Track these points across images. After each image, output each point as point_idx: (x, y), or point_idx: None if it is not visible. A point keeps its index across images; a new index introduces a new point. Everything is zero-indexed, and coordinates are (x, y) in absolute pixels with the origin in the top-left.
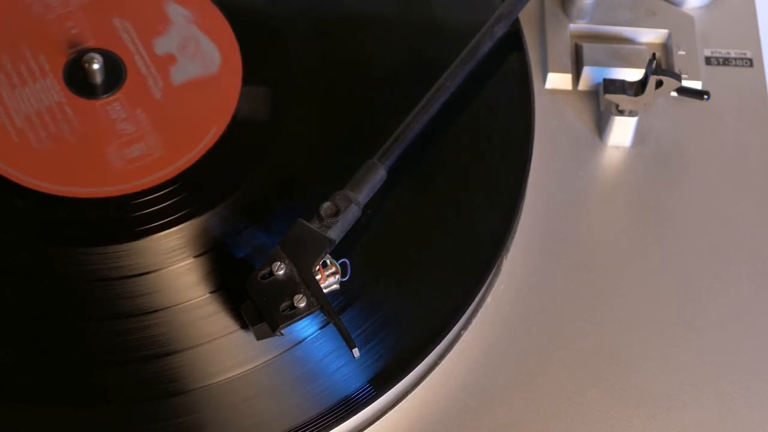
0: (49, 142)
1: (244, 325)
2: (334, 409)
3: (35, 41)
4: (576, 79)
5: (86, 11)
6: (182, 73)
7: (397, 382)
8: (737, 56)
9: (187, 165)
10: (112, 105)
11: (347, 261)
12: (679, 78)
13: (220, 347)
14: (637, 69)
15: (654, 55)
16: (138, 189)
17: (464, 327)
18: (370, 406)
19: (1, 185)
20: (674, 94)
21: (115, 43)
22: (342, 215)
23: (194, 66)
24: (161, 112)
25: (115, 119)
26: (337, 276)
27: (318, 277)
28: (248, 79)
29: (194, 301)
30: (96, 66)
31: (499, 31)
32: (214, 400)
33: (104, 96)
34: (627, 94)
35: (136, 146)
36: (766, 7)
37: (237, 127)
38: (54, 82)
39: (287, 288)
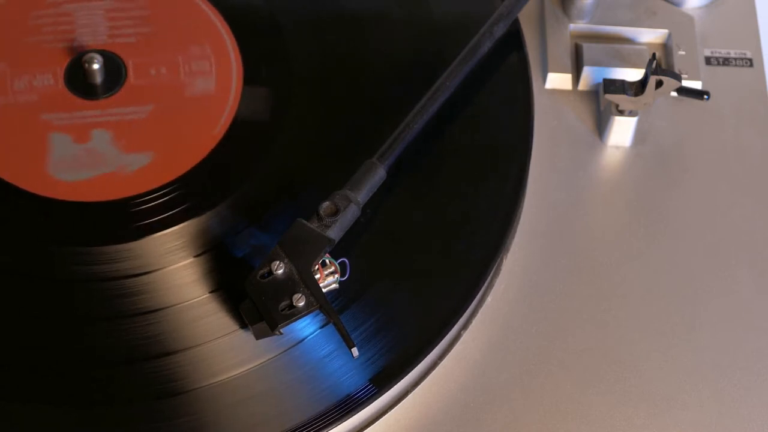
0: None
1: (243, 325)
2: (335, 409)
3: None
4: (576, 79)
5: None
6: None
7: (398, 382)
8: (737, 56)
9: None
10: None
11: (346, 260)
12: (679, 78)
13: (219, 347)
14: (637, 69)
15: (654, 55)
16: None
17: (464, 327)
18: (370, 406)
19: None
20: (674, 94)
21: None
22: (341, 215)
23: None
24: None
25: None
26: (337, 275)
27: (317, 276)
28: (248, 79)
29: (194, 300)
30: (96, 66)
31: (499, 30)
32: (214, 400)
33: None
34: (627, 94)
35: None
36: (766, 7)
37: (237, 127)
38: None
39: (286, 287)
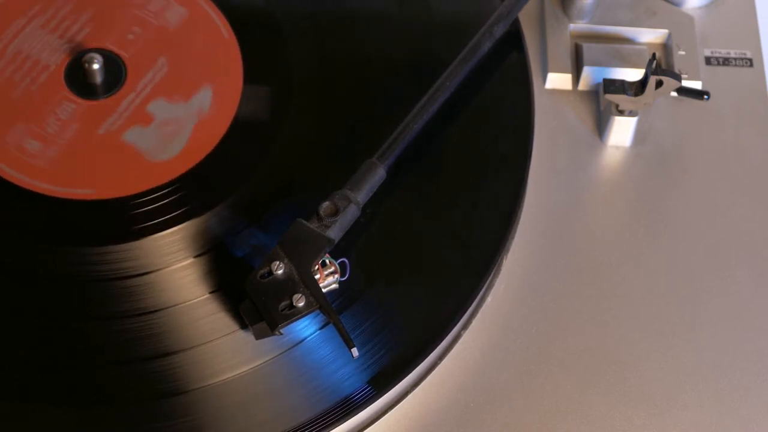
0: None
1: (243, 325)
2: (334, 410)
3: None
4: (576, 79)
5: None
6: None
7: (397, 383)
8: (737, 56)
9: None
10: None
11: (346, 260)
12: (679, 78)
13: (219, 347)
14: (637, 69)
15: (654, 55)
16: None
17: (464, 327)
18: (370, 407)
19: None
20: (674, 94)
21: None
22: (341, 215)
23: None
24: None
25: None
26: (336, 275)
27: (317, 276)
28: (248, 78)
29: (194, 301)
30: (96, 66)
31: (499, 30)
32: (214, 400)
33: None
34: (627, 94)
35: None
36: (766, 7)
37: (237, 126)
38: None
39: (286, 287)
